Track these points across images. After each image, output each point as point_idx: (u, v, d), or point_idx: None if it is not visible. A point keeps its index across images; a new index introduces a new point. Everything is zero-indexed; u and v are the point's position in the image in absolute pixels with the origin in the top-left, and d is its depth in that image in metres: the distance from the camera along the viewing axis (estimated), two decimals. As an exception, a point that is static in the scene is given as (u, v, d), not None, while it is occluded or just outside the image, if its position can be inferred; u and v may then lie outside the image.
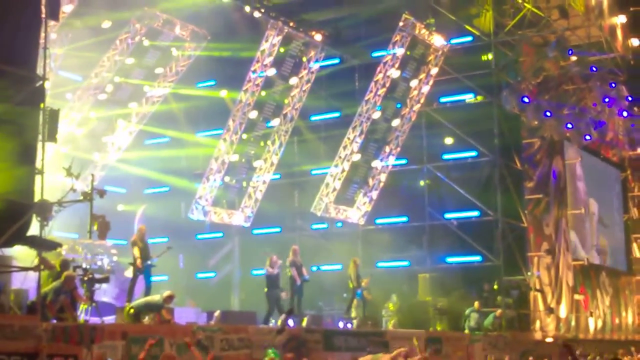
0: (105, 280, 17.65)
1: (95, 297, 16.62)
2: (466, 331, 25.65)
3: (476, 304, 26.49)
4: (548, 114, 31.90)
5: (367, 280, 24.80)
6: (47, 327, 12.83)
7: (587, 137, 34.67)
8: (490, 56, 29.87)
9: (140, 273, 18.54)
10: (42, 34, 14.48)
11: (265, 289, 21.27)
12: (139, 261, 18.32)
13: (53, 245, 14.35)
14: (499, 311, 27.07)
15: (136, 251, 18.32)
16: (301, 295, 22.27)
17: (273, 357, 16.34)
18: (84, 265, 18.56)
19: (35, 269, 13.85)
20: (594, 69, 33.79)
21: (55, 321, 14.16)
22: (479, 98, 29.95)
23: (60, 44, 24.56)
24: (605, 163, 38.14)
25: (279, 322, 19.59)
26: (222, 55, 29.13)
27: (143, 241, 18.80)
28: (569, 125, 33.36)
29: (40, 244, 13.72)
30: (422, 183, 30.75)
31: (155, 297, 17.21)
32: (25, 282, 15.39)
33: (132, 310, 16.70)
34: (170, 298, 17.08)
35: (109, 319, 17.16)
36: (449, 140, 30.27)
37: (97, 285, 16.80)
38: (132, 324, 16.23)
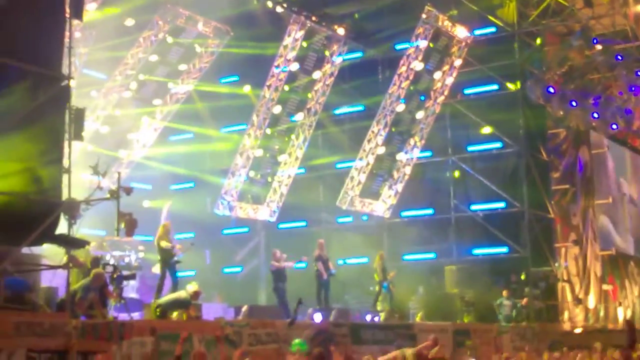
0: (132, 277, 17.76)
1: (123, 294, 16.75)
2: (501, 321, 25.61)
3: (504, 292, 26.48)
4: (574, 103, 31.66)
5: (394, 273, 24.82)
6: (76, 325, 12.93)
7: (614, 126, 34.35)
8: (514, 46, 29.72)
9: (168, 269, 18.68)
10: (67, 34, 14.58)
11: (272, 284, 21.41)
12: (169, 245, 18.52)
13: (81, 243, 14.44)
14: (524, 300, 26.96)
15: (165, 244, 18.56)
16: (328, 289, 22.34)
17: (300, 348, 16.29)
18: (111, 262, 18.68)
19: (64, 267, 13.97)
20: (619, 57, 33.44)
21: (84, 318, 14.28)
22: (513, 86, 29.62)
23: (84, 42, 24.69)
24: (633, 152, 37.81)
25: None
26: (245, 52, 29.17)
27: (168, 237, 18.97)
28: (595, 115, 33.07)
29: (69, 242, 13.82)
30: (448, 175, 30.65)
31: (181, 294, 17.26)
32: (54, 280, 15.53)
33: (158, 310, 16.77)
34: (196, 294, 17.11)
35: (137, 315, 17.27)
36: (474, 132, 30.14)
37: (124, 282, 16.91)
38: (160, 320, 16.32)
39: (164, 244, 18.71)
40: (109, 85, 27.19)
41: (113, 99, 27.31)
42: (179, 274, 19.43)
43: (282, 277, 21.47)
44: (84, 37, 24.53)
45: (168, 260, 18.80)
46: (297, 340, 16.39)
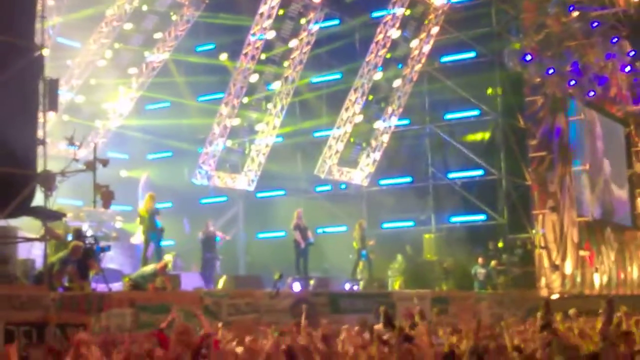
0: (107, 249, 17.60)
1: (102, 265, 16.65)
2: (475, 289, 25.74)
3: (480, 259, 26.59)
4: (550, 71, 31.73)
5: (373, 241, 24.86)
6: (54, 297, 12.86)
7: (591, 93, 34.48)
8: (491, 13, 29.61)
9: (154, 241, 18.77)
10: (39, 2, 14.39)
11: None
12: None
13: (58, 216, 14.38)
14: (493, 262, 27.06)
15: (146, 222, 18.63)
16: (306, 258, 22.38)
17: None
18: (89, 233, 18.58)
19: (41, 239, 13.87)
20: (596, 24, 33.49)
21: (62, 290, 14.19)
22: (490, 53, 29.47)
23: (57, 10, 24.33)
24: (610, 119, 37.97)
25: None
26: (221, 20, 28.90)
27: (154, 207, 18.99)
28: (572, 82, 33.16)
29: (45, 215, 13.73)
30: (425, 142, 30.62)
31: (147, 269, 17.17)
32: (31, 252, 15.42)
33: (130, 284, 16.71)
34: (163, 268, 17.03)
35: (116, 286, 17.19)
36: (452, 99, 30.07)
37: (101, 254, 16.79)
38: (139, 291, 16.27)
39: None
40: (83, 53, 26.86)
41: (88, 67, 26.98)
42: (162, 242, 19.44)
43: (210, 246, 21.73)
44: (57, 5, 24.17)
45: (152, 229, 18.79)
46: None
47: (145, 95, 29.21)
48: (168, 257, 17.31)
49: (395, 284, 25.65)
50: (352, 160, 30.84)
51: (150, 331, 11.75)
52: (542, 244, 30.77)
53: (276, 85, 29.56)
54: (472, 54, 29.97)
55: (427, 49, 30.35)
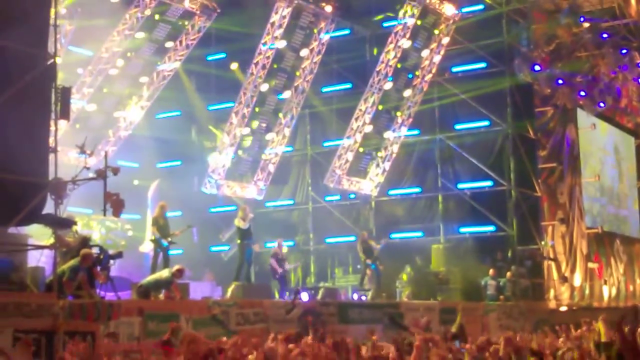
0: (119, 255, 17.61)
1: (110, 273, 16.66)
2: (486, 300, 25.65)
3: (491, 271, 26.52)
4: (560, 81, 31.67)
5: (385, 240, 24.72)
6: (64, 305, 12.90)
7: (602, 104, 34.39)
8: (502, 24, 29.61)
9: (162, 251, 18.72)
10: (52, 11, 14.47)
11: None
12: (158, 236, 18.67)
13: (68, 224, 14.41)
14: (508, 274, 26.98)
15: (156, 230, 18.60)
16: (285, 283, 22.56)
17: None
18: (98, 241, 18.65)
19: (51, 247, 13.92)
20: (606, 35, 33.43)
21: (72, 298, 14.22)
22: (500, 64, 29.44)
23: (70, 19, 24.45)
24: (620, 130, 37.88)
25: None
26: (232, 29, 29.00)
27: (164, 218, 19.00)
28: (582, 93, 33.09)
29: (56, 222, 13.77)
30: (435, 153, 30.57)
31: (164, 274, 17.17)
32: (41, 260, 15.46)
33: (141, 290, 16.73)
34: (179, 273, 16.98)
35: (125, 294, 17.22)
36: (462, 110, 30.04)
37: (111, 262, 16.81)
38: (147, 300, 16.30)
39: (154, 230, 18.80)
40: (95, 62, 26.96)
41: (99, 76, 27.07)
42: (169, 252, 19.45)
43: (251, 234, 21.41)
44: (69, 13, 24.29)
45: (161, 239, 18.84)
46: None
47: (156, 104, 29.30)
48: (177, 266, 17.28)
49: (404, 295, 25.60)
50: (362, 170, 30.87)
51: (156, 341, 11.80)
52: (551, 256, 30.66)
53: (287, 95, 29.63)
54: (482, 65, 29.96)
55: (437, 59, 30.39)
